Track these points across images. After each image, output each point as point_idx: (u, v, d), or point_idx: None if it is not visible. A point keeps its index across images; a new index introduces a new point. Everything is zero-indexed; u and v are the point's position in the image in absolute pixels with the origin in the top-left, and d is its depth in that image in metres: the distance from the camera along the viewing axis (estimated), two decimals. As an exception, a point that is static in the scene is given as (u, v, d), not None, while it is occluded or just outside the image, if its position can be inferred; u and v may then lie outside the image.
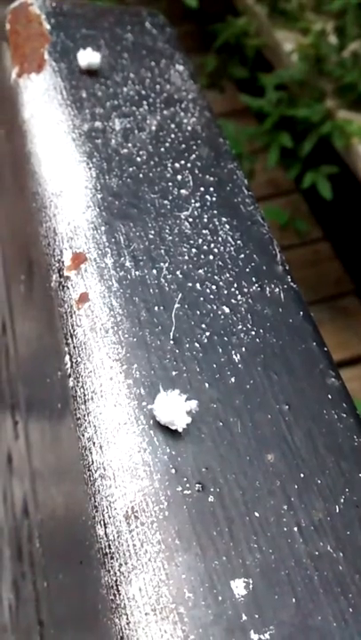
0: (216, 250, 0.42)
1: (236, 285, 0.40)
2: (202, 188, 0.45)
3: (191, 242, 0.42)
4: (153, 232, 0.42)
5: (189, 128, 0.49)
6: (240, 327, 0.38)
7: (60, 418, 0.40)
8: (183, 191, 0.45)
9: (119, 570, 0.31)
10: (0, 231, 0.62)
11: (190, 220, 0.43)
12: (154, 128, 0.48)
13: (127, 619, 0.30)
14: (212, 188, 0.45)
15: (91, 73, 0.51)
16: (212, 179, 0.46)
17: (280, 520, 0.32)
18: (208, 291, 0.40)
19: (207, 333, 0.38)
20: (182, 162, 0.47)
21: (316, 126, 1.42)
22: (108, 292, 0.39)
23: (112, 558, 0.31)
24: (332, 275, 1.71)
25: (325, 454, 0.34)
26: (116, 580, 0.31)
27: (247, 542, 0.31)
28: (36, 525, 0.50)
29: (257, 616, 0.29)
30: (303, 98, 1.47)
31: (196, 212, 0.44)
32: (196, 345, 0.37)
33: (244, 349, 0.38)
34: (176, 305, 0.39)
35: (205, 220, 0.43)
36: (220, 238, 0.43)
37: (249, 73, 1.72)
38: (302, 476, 0.33)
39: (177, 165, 0.46)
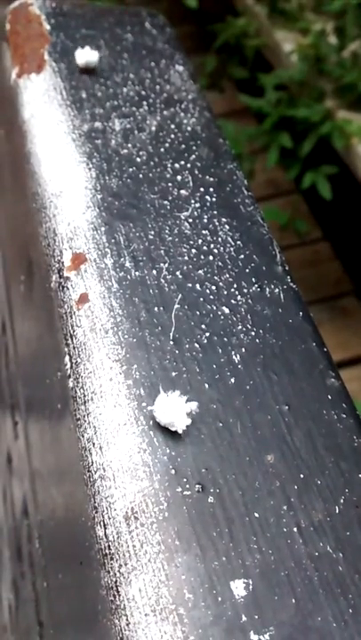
0: (216, 250, 0.42)
1: (235, 286, 0.40)
2: (202, 189, 0.45)
3: (191, 242, 0.42)
4: (153, 232, 0.42)
5: (189, 128, 0.49)
6: (240, 328, 0.39)
7: (59, 418, 0.40)
8: (183, 192, 0.45)
9: (119, 570, 0.31)
10: (0, 231, 0.62)
11: (190, 220, 0.43)
12: (154, 128, 0.48)
13: (127, 619, 0.30)
14: (211, 189, 0.45)
15: (89, 72, 0.51)
16: (211, 179, 0.46)
17: (280, 521, 0.32)
18: (208, 291, 0.40)
19: (207, 334, 0.38)
20: (182, 162, 0.47)
21: (316, 126, 1.42)
22: (107, 292, 0.39)
23: (112, 559, 0.31)
24: (332, 275, 1.71)
25: (325, 455, 0.34)
26: (115, 581, 0.31)
27: (247, 543, 0.31)
28: (35, 526, 0.50)
29: (257, 617, 0.29)
30: (303, 98, 1.47)
31: (195, 213, 0.44)
32: (196, 345, 0.37)
33: (243, 350, 0.38)
34: (176, 305, 0.39)
35: (205, 220, 0.43)
36: (219, 239, 0.43)
37: (249, 73, 1.72)
38: (302, 476, 0.33)
39: (177, 166, 0.46)
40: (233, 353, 0.37)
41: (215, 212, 0.44)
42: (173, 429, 0.34)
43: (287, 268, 0.42)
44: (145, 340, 0.37)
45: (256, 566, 0.30)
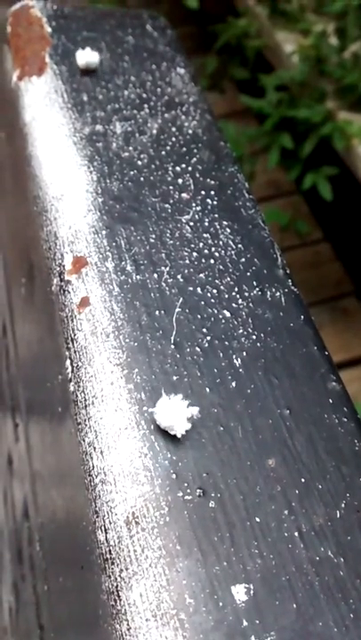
0: (217, 254, 0.42)
1: (236, 289, 0.40)
2: (203, 192, 0.45)
3: (192, 246, 0.42)
4: (154, 236, 0.42)
5: (190, 131, 0.49)
6: (241, 331, 0.38)
7: (60, 421, 0.40)
8: (184, 195, 0.45)
9: (120, 575, 0.31)
10: (1, 234, 0.62)
11: (191, 223, 0.43)
12: (155, 131, 0.48)
13: (128, 624, 0.30)
14: (212, 192, 0.45)
15: (91, 75, 0.51)
16: (212, 182, 0.46)
17: (281, 525, 0.32)
18: (209, 295, 0.40)
19: (208, 338, 0.38)
20: (183, 165, 0.47)
21: (317, 127, 1.42)
22: (108, 296, 0.39)
23: (113, 564, 0.31)
24: (333, 276, 1.71)
25: (326, 459, 0.34)
26: (116, 586, 0.31)
27: (248, 548, 0.31)
28: (36, 528, 0.50)
29: (258, 622, 0.29)
30: (304, 99, 1.47)
31: (196, 216, 0.44)
32: (197, 349, 0.37)
33: (244, 354, 0.38)
34: (177, 309, 0.39)
35: (206, 223, 0.43)
36: (220, 242, 0.43)
37: (250, 74, 1.72)
38: (303, 480, 0.33)
39: (178, 169, 0.46)
40: (234, 357, 0.37)
41: (216, 216, 0.44)
42: (173, 433, 0.34)
43: (288, 272, 0.42)
44: (146, 343, 0.37)
45: (257, 571, 0.30)
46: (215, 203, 0.45)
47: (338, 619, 0.30)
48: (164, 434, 0.34)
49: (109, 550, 0.32)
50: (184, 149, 0.48)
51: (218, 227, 0.43)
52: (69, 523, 0.40)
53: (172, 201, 0.44)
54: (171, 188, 0.45)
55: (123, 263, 0.40)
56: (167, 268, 0.40)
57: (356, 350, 1.56)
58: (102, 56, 0.53)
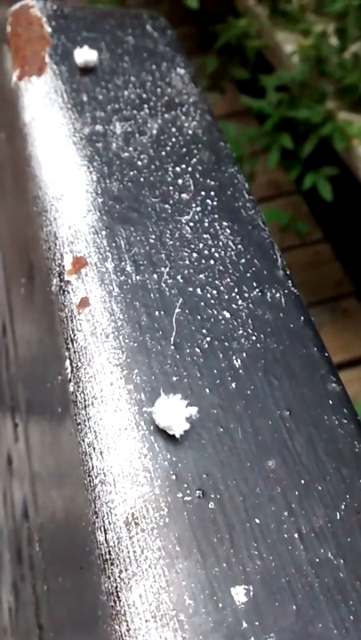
0: (217, 254, 0.42)
1: (236, 290, 0.40)
2: (203, 193, 0.45)
3: (192, 246, 0.42)
4: (154, 236, 0.42)
5: (190, 132, 0.49)
6: (241, 332, 0.38)
7: (60, 422, 0.40)
8: (184, 195, 0.45)
9: (119, 576, 0.31)
10: (1, 234, 0.62)
11: (191, 224, 0.43)
12: (155, 132, 0.48)
13: (127, 625, 0.30)
14: (212, 193, 0.45)
15: (90, 74, 0.51)
16: (212, 183, 0.46)
17: (281, 527, 0.32)
18: (209, 295, 0.40)
19: (208, 338, 0.38)
20: (183, 166, 0.47)
21: (317, 128, 1.42)
22: (108, 296, 0.39)
23: (112, 564, 0.31)
24: (333, 276, 1.71)
25: (326, 460, 0.34)
26: (116, 587, 0.31)
27: (248, 549, 0.31)
28: (35, 528, 0.49)
29: (257, 623, 0.29)
30: (304, 99, 1.47)
31: (196, 217, 0.44)
32: (197, 350, 0.37)
33: (244, 355, 0.38)
34: (177, 310, 0.39)
35: (206, 224, 0.43)
36: (220, 243, 0.42)
37: (250, 74, 1.72)
38: (303, 482, 0.33)
39: (178, 169, 0.46)
40: (234, 358, 0.37)
41: (216, 216, 0.44)
42: (171, 433, 0.34)
43: (288, 273, 0.42)
44: (146, 344, 0.37)
45: (257, 572, 0.30)
46: (215, 203, 0.45)
47: (338, 620, 0.30)
48: (164, 435, 0.34)
49: (109, 551, 0.32)
50: (184, 150, 0.48)
51: (218, 227, 0.43)
52: (69, 523, 0.40)
53: (171, 201, 0.44)
54: (171, 188, 0.45)
55: (122, 263, 0.40)
56: (167, 269, 0.40)
57: (356, 351, 1.56)
58: (102, 56, 0.53)
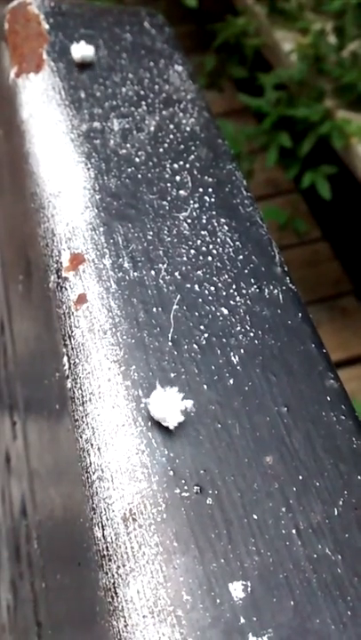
0: (215, 251, 0.42)
1: (234, 287, 0.40)
2: (200, 189, 0.45)
3: (190, 243, 0.42)
4: (151, 233, 0.42)
5: (188, 129, 0.49)
6: (238, 329, 0.38)
7: (57, 419, 0.40)
8: (182, 192, 0.45)
9: (117, 572, 0.31)
10: (-2, 231, 0.62)
11: (189, 221, 0.43)
12: (152, 129, 0.48)
13: (125, 621, 0.30)
14: (210, 189, 0.45)
15: (88, 71, 0.51)
16: (210, 179, 0.46)
17: (278, 522, 0.32)
18: (207, 292, 0.40)
19: (206, 335, 0.38)
20: (181, 162, 0.47)
21: (315, 126, 1.42)
22: (106, 293, 0.39)
23: (110, 560, 0.31)
24: (331, 275, 1.71)
25: (324, 456, 0.34)
26: (113, 583, 0.31)
27: (245, 545, 0.31)
28: (34, 526, 0.49)
29: (255, 619, 0.29)
30: (302, 98, 1.47)
31: (194, 213, 0.44)
32: (195, 346, 0.37)
33: (242, 351, 0.37)
34: (175, 306, 0.39)
35: (204, 221, 0.43)
36: (218, 239, 0.42)
37: (248, 72, 1.72)
38: (301, 478, 0.33)
39: (176, 166, 0.46)
40: (232, 354, 0.37)
41: (214, 213, 0.44)
42: (165, 424, 0.34)
43: (286, 269, 0.42)
44: (143, 340, 0.37)
45: (255, 568, 0.30)
46: (213, 200, 0.45)
47: (335, 616, 0.30)
48: (162, 431, 0.34)
49: (106, 547, 0.32)
50: (182, 147, 0.48)
51: (215, 224, 0.43)
52: (67, 520, 0.39)
53: (169, 198, 0.44)
54: (168, 185, 0.45)
55: (120, 260, 0.40)
56: (165, 266, 0.40)
57: (354, 349, 1.56)
58: (100, 53, 0.53)
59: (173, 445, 0.33)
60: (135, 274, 0.40)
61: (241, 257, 0.42)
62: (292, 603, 0.30)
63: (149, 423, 0.34)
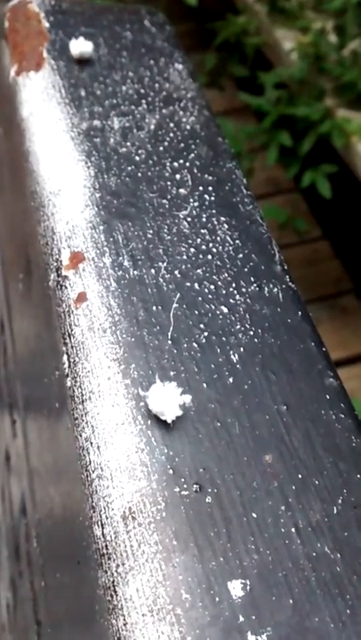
0: (215, 249, 0.42)
1: (234, 285, 0.40)
2: (200, 188, 0.45)
3: (190, 241, 0.42)
4: (151, 231, 0.42)
5: (188, 127, 0.49)
6: (238, 327, 0.38)
7: (57, 417, 0.40)
8: (182, 190, 0.45)
9: (116, 570, 0.31)
10: (-2, 230, 0.62)
11: (189, 219, 0.43)
12: (153, 127, 0.48)
13: (124, 620, 0.30)
14: (210, 188, 0.45)
15: (88, 69, 0.51)
16: (210, 178, 0.46)
17: (278, 521, 0.32)
18: (206, 290, 0.40)
19: (205, 333, 0.38)
20: (181, 161, 0.46)
21: (316, 125, 1.42)
22: (106, 291, 0.39)
23: (109, 559, 0.31)
24: (331, 274, 1.71)
25: (323, 455, 0.34)
26: (113, 581, 0.31)
27: (245, 543, 0.31)
28: (33, 524, 0.49)
29: (254, 617, 0.29)
30: (303, 96, 1.47)
31: (194, 212, 0.44)
32: (195, 345, 0.37)
33: (242, 349, 0.37)
34: (174, 305, 0.39)
35: (204, 219, 0.43)
36: (218, 238, 0.42)
37: (249, 71, 1.71)
38: (300, 476, 0.33)
39: (176, 164, 0.46)
40: (231, 352, 0.37)
41: (214, 211, 0.44)
42: (163, 418, 0.34)
43: (286, 268, 0.42)
44: (143, 339, 0.37)
45: (254, 567, 0.30)
46: (213, 198, 0.45)
47: (334, 614, 0.30)
48: (161, 429, 0.34)
49: (106, 545, 0.32)
50: (182, 145, 0.48)
51: (215, 222, 0.43)
52: (66, 518, 0.40)
53: (169, 196, 0.44)
54: (168, 183, 0.45)
55: (120, 258, 0.40)
56: (165, 264, 0.40)
57: (354, 348, 1.56)
58: (100, 51, 0.53)
59: (173, 444, 0.33)
60: (135, 272, 0.40)
61: (241, 255, 0.42)
62: (291, 601, 0.30)
63: (149, 421, 0.34)
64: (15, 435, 0.56)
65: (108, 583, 0.31)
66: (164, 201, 0.44)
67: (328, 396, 0.37)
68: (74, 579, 0.38)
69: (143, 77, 0.52)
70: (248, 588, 0.30)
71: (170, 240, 0.42)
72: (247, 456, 0.34)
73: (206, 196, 0.45)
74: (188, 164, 0.46)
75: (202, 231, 0.43)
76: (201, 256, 0.41)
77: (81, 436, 0.35)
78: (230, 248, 0.42)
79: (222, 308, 0.39)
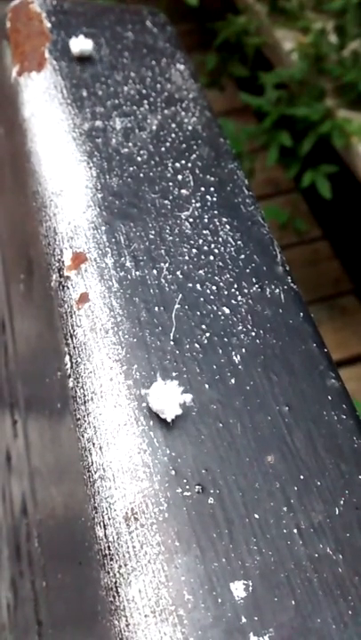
0: (216, 250, 0.42)
1: (236, 286, 0.40)
2: (202, 188, 0.45)
3: (191, 242, 0.42)
4: (153, 232, 0.42)
5: (190, 128, 0.49)
6: (240, 328, 0.38)
7: (59, 418, 0.40)
8: (184, 191, 0.45)
9: (119, 571, 0.31)
10: (0, 230, 0.62)
11: (191, 220, 0.43)
12: (154, 127, 0.48)
13: (126, 620, 0.30)
14: (212, 188, 0.45)
15: (88, 66, 0.51)
16: (212, 179, 0.46)
17: (280, 522, 0.32)
18: (208, 291, 0.40)
19: (207, 334, 0.38)
20: (183, 162, 0.46)
21: (316, 125, 1.42)
22: (108, 292, 0.39)
23: (111, 560, 0.31)
24: (332, 274, 1.71)
25: (325, 456, 0.34)
26: (115, 582, 0.31)
27: (247, 544, 0.31)
28: (34, 525, 0.49)
29: (256, 618, 0.29)
30: (303, 97, 1.47)
31: (196, 213, 0.44)
32: (197, 346, 0.37)
33: (244, 350, 0.38)
34: (176, 305, 0.39)
35: (206, 220, 0.43)
36: (220, 239, 0.42)
37: (249, 71, 1.71)
38: (302, 477, 0.33)
39: (177, 165, 0.46)
40: (233, 353, 0.37)
41: (216, 212, 0.44)
42: (163, 417, 0.34)
43: (288, 269, 0.42)
44: (145, 340, 0.37)
45: (256, 568, 0.30)
46: (215, 199, 0.45)
47: (336, 615, 0.30)
48: (163, 429, 0.34)
49: (108, 546, 0.32)
50: (184, 146, 0.48)
51: (217, 223, 0.43)
52: (68, 519, 0.40)
53: (171, 197, 0.44)
54: (170, 184, 0.45)
55: (122, 259, 0.40)
56: (166, 265, 0.40)
57: (354, 348, 1.56)
58: (102, 52, 0.53)
59: (175, 445, 0.33)
60: (137, 273, 0.40)
61: (243, 256, 0.42)
62: (293, 602, 0.30)
63: (151, 422, 0.34)
64: (16, 435, 0.56)
65: (110, 584, 0.31)
66: (166, 202, 0.44)
67: (330, 397, 0.37)
68: (75, 579, 0.38)
69: (145, 78, 0.52)
70: (250, 589, 0.30)
71: (172, 241, 0.42)
72: (249, 457, 0.34)
73: (208, 197, 0.45)
74: (189, 164, 0.46)
75: (204, 232, 0.43)
76: (203, 257, 0.41)
77: (83, 436, 0.35)
78: (232, 249, 0.42)
79: (224, 308, 0.39)
